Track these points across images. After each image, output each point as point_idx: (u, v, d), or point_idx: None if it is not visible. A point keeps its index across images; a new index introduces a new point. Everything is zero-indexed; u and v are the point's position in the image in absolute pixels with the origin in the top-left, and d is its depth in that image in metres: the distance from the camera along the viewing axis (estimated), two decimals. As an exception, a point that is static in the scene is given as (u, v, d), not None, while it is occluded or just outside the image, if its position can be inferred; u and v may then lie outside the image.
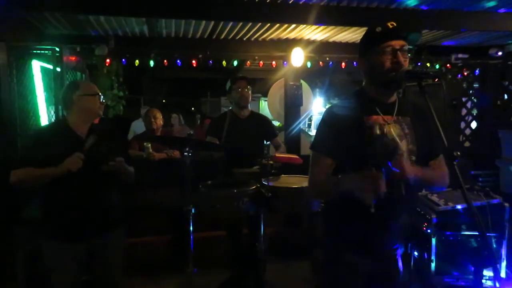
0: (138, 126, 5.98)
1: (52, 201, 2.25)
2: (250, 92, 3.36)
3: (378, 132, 1.53)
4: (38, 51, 3.82)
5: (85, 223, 2.22)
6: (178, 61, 5.17)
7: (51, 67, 3.84)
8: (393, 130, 1.67)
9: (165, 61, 5.13)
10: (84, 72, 4.76)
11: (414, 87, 4.57)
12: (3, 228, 3.30)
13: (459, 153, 1.39)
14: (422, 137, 1.72)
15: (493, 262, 1.24)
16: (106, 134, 2.39)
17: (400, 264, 1.86)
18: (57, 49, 3.74)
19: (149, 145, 4.12)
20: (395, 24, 1.62)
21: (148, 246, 3.96)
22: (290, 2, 3.82)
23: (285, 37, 5.04)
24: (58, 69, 3.78)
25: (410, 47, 1.68)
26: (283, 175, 3.14)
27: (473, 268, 1.30)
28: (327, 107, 2.78)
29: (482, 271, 1.29)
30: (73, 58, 4.40)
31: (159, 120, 4.44)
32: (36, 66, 3.90)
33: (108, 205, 2.33)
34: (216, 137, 3.31)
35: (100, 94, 2.36)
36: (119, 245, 2.41)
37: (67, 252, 2.20)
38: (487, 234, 1.33)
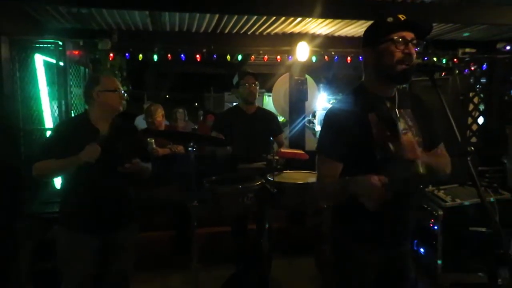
0: (142, 122, 5.95)
1: (71, 192, 2.30)
2: (257, 87, 3.34)
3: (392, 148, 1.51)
4: (41, 45, 3.79)
5: (102, 216, 2.26)
6: (182, 55, 5.12)
7: (54, 61, 3.80)
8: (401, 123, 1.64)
9: (168, 55, 5.08)
10: (88, 67, 4.72)
11: (420, 81, 4.54)
12: (7, 223, 3.29)
13: (473, 148, 1.35)
14: (423, 128, 1.70)
15: (509, 261, 1.20)
16: (125, 131, 2.43)
17: (409, 260, 1.85)
18: (60, 43, 3.69)
19: (153, 140, 4.09)
20: (405, 17, 1.58)
21: (152, 242, 3.94)
22: (296, -5, 3.77)
23: (290, 31, 4.98)
24: (61, 63, 3.75)
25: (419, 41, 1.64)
26: (288, 171, 3.11)
27: (486, 267, 1.26)
28: (330, 102, 2.75)
29: (497, 270, 1.25)
30: (76, 52, 4.36)
31: (159, 116, 4.40)
32: (39, 60, 3.87)
33: (124, 200, 2.37)
34: (222, 133, 3.28)
35: (121, 89, 2.35)
36: (133, 240, 2.45)
37: (83, 243, 2.23)
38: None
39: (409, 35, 1.58)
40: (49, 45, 3.75)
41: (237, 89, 3.36)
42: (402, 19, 1.57)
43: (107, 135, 2.27)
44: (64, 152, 2.15)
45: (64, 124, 2.70)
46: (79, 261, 2.24)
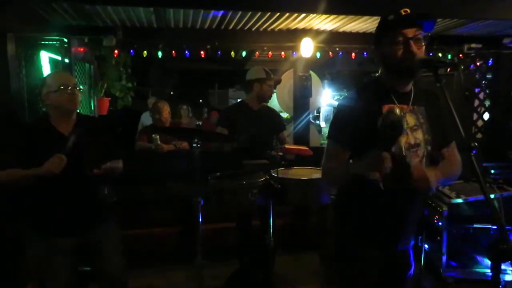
0: (147, 118, 5.98)
1: (36, 196, 2.20)
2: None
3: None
4: (46, 42, 3.81)
5: (70, 218, 2.19)
6: (186, 52, 5.13)
7: (59, 58, 3.82)
8: (408, 119, 1.64)
9: (173, 52, 5.08)
10: (93, 63, 4.74)
11: (426, 77, 4.52)
12: (12, 219, 3.31)
13: (476, 143, 1.35)
14: (435, 126, 1.70)
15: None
16: (91, 131, 2.26)
17: (412, 257, 1.85)
18: (65, 40, 3.72)
19: (158, 136, 4.11)
20: (408, 11, 1.57)
21: (156, 238, 3.97)
22: (300, -9, 3.76)
23: (294, 27, 4.97)
24: (67, 60, 3.77)
25: (425, 34, 1.63)
26: (293, 167, 3.11)
27: (490, 263, 1.26)
28: (335, 98, 2.75)
29: (500, 266, 1.25)
30: (82, 49, 4.38)
31: (165, 112, 4.42)
32: (45, 57, 3.89)
33: (95, 200, 2.29)
34: (226, 128, 3.28)
35: (68, 84, 2.14)
36: (112, 239, 2.37)
37: (54, 247, 2.16)
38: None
39: (410, 32, 1.56)
40: (54, 42, 3.77)
41: (259, 83, 3.32)
42: (404, 13, 1.56)
43: (73, 143, 2.11)
44: (28, 157, 2.04)
45: (25, 128, 2.36)
46: (53, 265, 2.17)
